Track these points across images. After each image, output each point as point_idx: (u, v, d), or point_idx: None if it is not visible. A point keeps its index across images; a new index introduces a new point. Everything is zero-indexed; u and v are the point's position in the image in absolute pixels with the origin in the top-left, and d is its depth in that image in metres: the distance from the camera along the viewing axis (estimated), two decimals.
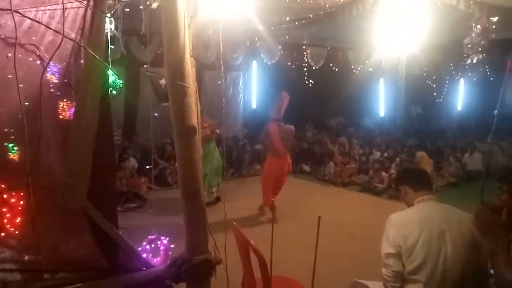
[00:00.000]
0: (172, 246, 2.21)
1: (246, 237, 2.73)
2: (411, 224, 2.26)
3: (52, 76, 1.85)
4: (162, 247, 2.18)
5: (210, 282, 2.05)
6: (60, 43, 1.57)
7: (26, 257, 1.86)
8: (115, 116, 8.83)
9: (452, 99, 13.69)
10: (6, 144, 1.73)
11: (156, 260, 2.14)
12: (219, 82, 8.05)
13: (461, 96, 14.02)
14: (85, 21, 1.72)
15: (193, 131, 1.87)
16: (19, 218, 1.73)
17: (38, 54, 1.63)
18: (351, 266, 4.34)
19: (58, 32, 1.60)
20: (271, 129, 5.82)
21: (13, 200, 1.71)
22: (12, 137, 1.66)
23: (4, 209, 1.74)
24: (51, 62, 1.76)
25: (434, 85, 12.03)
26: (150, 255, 2.16)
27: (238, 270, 2.92)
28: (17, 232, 1.80)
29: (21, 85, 1.68)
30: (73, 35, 1.69)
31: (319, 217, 2.21)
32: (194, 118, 1.89)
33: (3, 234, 1.74)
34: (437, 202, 2.42)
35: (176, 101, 1.85)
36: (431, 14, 5.75)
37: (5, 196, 1.71)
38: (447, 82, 12.34)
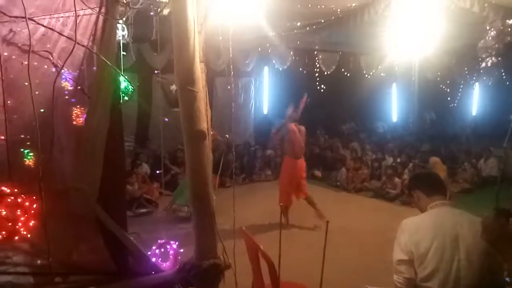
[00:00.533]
0: (182, 250, 2.22)
1: (256, 242, 2.72)
2: (424, 230, 2.22)
3: (67, 83, 1.88)
4: (171, 252, 2.18)
5: (219, 287, 2.04)
6: (72, 49, 1.60)
7: (39, 261, 1.88)
8: (128, 122, 9.00)
9: (467, 103, 13.49)
10: (22, 150, 1.76)
11: (166, 265, 2.15)
12: (228, 87, 8.06)
13: (476, 101, 13.80)
14: (97, 27, 1.75)
15: (202, 135, 1.87)
16: (32, 222, 1.75)
17: (52, 61, 1.66)
18: (362, 272, 4.28)
19: (71, 39, 1.63)
20: (291, 129, 5.77)
21: (26, 204, 1.74)
22: (28, 143, 1.69)
23: (18, 213, 1.77)
24: (65, 69, 1.79)
25: (448, 90, 11.88)
26: (160, 259, 2.17)
27: (248, 275, 2.91)
28: (29, 236, 1.83)
29: (36, 92, 1.71)
30: (85, 42, 1.72)
31: (327, 221, 2.19)
32: (204, 123, 1.90)
33: (16, 237, 1.77)
34: (451, 207, 2.37)
35: (186, 106, 1.86)
36: (445, 17, 5.69)
37: (19, 200, 1.74)
38: (461, 86, 12.18)
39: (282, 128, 5.93)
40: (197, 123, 1.85)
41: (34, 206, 1.70)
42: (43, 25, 1.58)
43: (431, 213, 2.32)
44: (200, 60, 1.99)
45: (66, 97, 1.89)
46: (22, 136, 1.70)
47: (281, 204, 5.55)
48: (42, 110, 1.74)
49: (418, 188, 2.46)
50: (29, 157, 1.75)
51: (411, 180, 2.82)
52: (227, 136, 5.76)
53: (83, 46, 1.68)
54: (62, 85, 1.87)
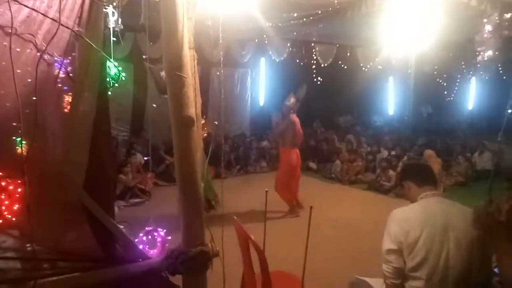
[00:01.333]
0: (169, 238, 2.21)
1: (246, 231, 2.72)
2: (413, 220, 2.23)
3: (58, 70, 1.85)
4: (159, 239, 2.18)
5: (207, 274, 2.04)
6: (56, 31, 1.57)
7: (28, 247, 1.86)
8: (123, 112, 8.97)
9: (463, 97, 13.50)
10: (14, 138, 1.73)
11: (153, 252, 2.14)
12: (223, 79, 7.98)
13: (472, 95, 13.82)
14: (83, 10, 1.72)
15: (191, 121, 1.86)
16: (16, 206, 1.74)
17: (36, 44, 1.63)
18: (355, 263, 4.31)
19: (55, 20, 1.59)
20: (294, 121, 5.75)
21: (10, 187, 1.72)
22: (20, 131, 1.67)
23: (5, 200, 1.75)
24: (56, 56, 1.76)
25: (445, 84, 11.87)
26: (147, 246, 2.16)
27: (239, 266, 2.91)
28: (14, 219, 1.81)
29: (29, 80, 1.68)
30: (71, 25, 1.69)
31: (311, 206, 2.19)
32: (192, 109, 1.88)
33: (4, 223, 1.75)
34: (441, 198, 2.38)
35: (174, 91, 1.84)
36: (442, 10, 5.65)
37: (3, 183, 1.72)
38: (458, 80, 12.18)
39: (284, 120, 5.90)
40: (185, 109, 1.84)
41: (19, 190, 1.68)
42: (27, 6, 1.54)
43: (421, 203, 2.33)
44: (189, 46, 1.96)
45: (59, 85, 1.86)
46: (14, 124, 1.67)
47: (297, 201, 5.56)
48: (34, 98, 1.71)
49: (409, 178, 2.46)
50: (20, 146, 1.72)
51: (402, 170, 2.82)
52: (215, 123, 5.61)
53: (68, 28, 1.65)
54: (55, 73, 1.84)
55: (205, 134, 5.47)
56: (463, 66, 11.12)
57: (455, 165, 8.58)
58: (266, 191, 2.78)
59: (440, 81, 11.63)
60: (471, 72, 11.71)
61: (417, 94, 11.99)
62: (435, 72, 11.04)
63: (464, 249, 2.12)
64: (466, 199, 2.56)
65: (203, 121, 5.14)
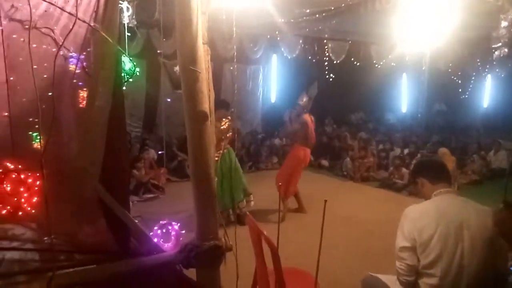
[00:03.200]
0: (183, 232, 2.23)
1: (259, 227, 2.72)
2: (427, 217, 2.20)
3: (74, 66, 1.87)
4: (173, 233, 2.20)
5: (220, 268, 2.05)
6: (73, 26, 1.59)
7: (46, 239, 1.91)
8: (136, 108, 9.05)
9: (478, 95, 13.26)
10: (30, 133, 1.76)
11: (167, 245, 2.16)
12: (236, 74, 7.96)
13: (487, 93, 13.57)
14: (99, 5, 1.73)
15: (204, 116, 1.87)
16: (35, 199, 1.77)
17: (53, 37, 1.66)
18: (367, 261, 4.29)
19: (72, 15, 1.62)
20: (307, 121, 5.75)
21: (29, 180, 1.76)
22: (36, 126, 1.70)
23: (22, 190, 1.79)
24: (72, 52, 1.78)
25: (460, 81, 11.68)
26: (161, 240, 2.19)
27: (252, 261, 2.92)
28: (33, 211, 1.85)
29: (45, 76, 1.71)
30: (87, 20, 1.71)
31: (325, 200, 2.18)
32: (206, 103, 1.89)
33: (20, 213, 1.79)
34: (456, 195, 2.35)
35: (187, 86, 1.85)
36: (458, 5, 5.56)
37: (22, 176, 1.76)
38: (473, 78, 11.97)
39: (296, 120, 5.88)
40: (199, 104, 1.84)
41: (38, 183, 1.71)
42: (45, 0, 1.57)
43: (435, 201, 2.30)
44: (203, 41, 1.97)
45: (75, 81, 1.89)
46: (31, 119, 1.70)
47: (279, 184, 5.52)
48: (50, 94, 1.73)
49: (422, 175, 2.44)
50: (37, 140, 1.76)
51: (415, 167, 2.79)
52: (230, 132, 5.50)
53: (84, 22, 1.67)
54: (70, 68, 1.86)
55: (230, 133, 5.43)
56: (479, 63, 10.93)
57: (470, 164, 8.45)
58: (280, 185, 2.77)
59: (455, 78, 11.44)
60: (486, 69, 11.50)
61: (431, 92, 11.83)
62: (450, 69, 10.87)
63: (479, 247, 2.10)
64: (481, 198, 2.52)
65: (228, 120, 5.14)
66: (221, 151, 5.11)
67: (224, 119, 5.14)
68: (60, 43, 1.68)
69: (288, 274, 2.71)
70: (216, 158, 5.02)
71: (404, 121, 12.48)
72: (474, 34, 8.13)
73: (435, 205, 2.27)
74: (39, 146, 1.71)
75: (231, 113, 5.47)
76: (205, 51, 2.01)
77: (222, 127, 5.07)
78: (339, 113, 12.28)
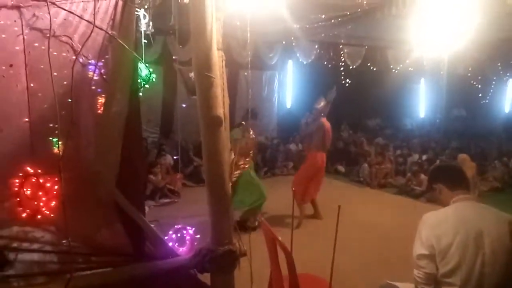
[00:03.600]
0: (198, 236, 2.24)
1: (274, 232, 2.71)
2: (445, 224, 2.15)
3: (92, 73, 1.91)
4: (188, 237, 2.21)
5: (234, 274, 2.05)
6: (91, 33, 1.63)
7: (64, 242, 1.94)
8: (153, 114, 9.16)
9: (499, 100, 12.95)
10: (50, 138, 1.80)
11: (182, 250, 2.18)
12: (250, 80, 7.99)
13: (508, 98, 13.25)
14: (116, 12, 1.77)
15: (219, 121, 1.88)
16: (54, 202, 1.81)
17: (71, 45, 1.70)
18: (384, 268, 4.21)
19: (90, 22, 1.66)
20: (324, 125, 5.73)
21: (48, 185, 1.80)
22: (56, 132, 1.74)
23: (40, 194, 1.83)
24: (90, 59, 1.83)
25: (479, 86, 11.43)
26: (176, 244, 2.20)
27: (267, 266, 2.91)
28: (52, 215, 1.88)
29: (65, 82, 1.76)
30: (104, 28, 1.75)
31: (339, 206, 2.15)
32: (221, 109, 1.90)
33: (39, 216, 1.83)
34: (475, 202, 2.29)
35: (202, 91, 1.87)
36: (477, 8, 5.46)
37: (41, 180, 1.80)
38: (493, 82, 11.70)
39: (312, 122, 5.86)
40: (214, 109, 1.86)
41: (56, 187, 1.75)
42: (64, 9, 1.61)
43: (454, 207, 2.24)
44: (218, 47, 1.99)
45: (93, 87, 1.93)
46: (51, 125, 1.74)
47: (293, 189, 5.49)
48: (69, 100, 1.78)
49: (439, 181, 2.38)
50: (57, 146, 1.80)
51: (432, 172, 2.72)
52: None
53: (102, 29, 1.71)
54: (89, 75, 1.91)
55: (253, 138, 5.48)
56: (500, 67, 10.69)
57: (491, 170, 8.25)
58: (293, 190, 2.76)
59: (474, 83, 11.21)
60: (508, 74, 11.24)
61: (449, 97, 11.62)
62: (469, 74, 10.66)
63: (501, 255, 2.04)
64: (503, 205, 2.45)
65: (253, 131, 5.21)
66: (248, 159, 5.21)
67: (251, 131, 5.26)
68: (79, 51, 1.72)
69: (303, 280, 2.68)
70: (244, 165, 5.13)
71: (422, 126, 12.27)
72: (494, 37, 7.96)
73: (454, 212, 2.22)
74: (57, 151, 1.75)
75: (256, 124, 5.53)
76: (219, 57, 2.03)
77: (252, 137, 5.19)
78: (355, 119, 12.18)
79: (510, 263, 2.03)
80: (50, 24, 1.54)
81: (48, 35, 1.63)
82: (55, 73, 1.62)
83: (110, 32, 1.77)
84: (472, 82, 11.13)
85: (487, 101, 12.18)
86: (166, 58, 7.82)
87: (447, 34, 6.11)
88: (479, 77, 11.09)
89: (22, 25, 1.57)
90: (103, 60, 1.87)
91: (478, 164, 7.62)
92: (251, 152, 5.32)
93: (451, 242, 2.09)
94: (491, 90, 12.03)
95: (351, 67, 9.71)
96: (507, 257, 2.03)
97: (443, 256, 2.11)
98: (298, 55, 9.30)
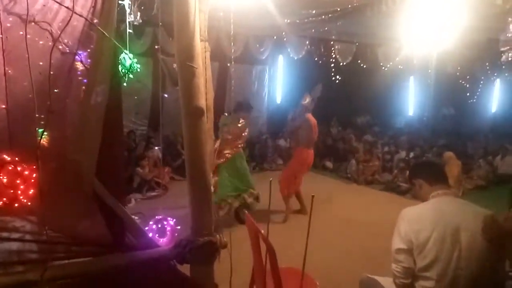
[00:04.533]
0: (179, 227, 2.24)
1: (257, 226, 2.72)
2: (424, 219, 2.19)
3: (79, 63, 1.89)
4: (168, 228, 2.21)
5: (215, 266, 2.06)
6: (70, 18, 1.61)
7: (44, 232, 1.93)
8: (142, 106, 9.08)
9: (487, 99, 13.12)
10: (37, 129, 1.77)
11: (162, 240, 2.17)
12: (240, 75, 7.94)
13: (496, 97, 13.42)
14: (97, 1, 1.75)
15: (200, 112, 1.88)
16: (31, 191, 1.79)
17: (52, 33, 1.68)
18: (367, 263, 4.27)
19: (69, 9, 1.63)
20: (313, 120, 5.75)
21: (26, 172, 1.77)
22: (42, 122, 1.72)
23: (18, 182, 1.80)
24: (69, 43, 1.80)
25: (468, 85, 11.56)
26: (157, 235, 2.20)
27: (250, 260, 2.92)
28: (32, 206, 1.86)
29: (51, 72, 1.73)
30: (85, 14, 1.73)
31: (313, 196, 2.17)
32: (203, 99, 1.90)
33: (16, 204, 1.81)
34: (454, 197, 2.33)
35: (184, 82, 1.86)
36: (466, 8, 5.51)
37: (19, 168, 1.77)
38: (481, 82, 11.84)
39: (298, 118, 5.88)
40: (195, 99, 1.86)
41: (34, 175, 1.73)
42: None
43: (432, 202, 2.28)
44: (201, 38, 1.98)
45: (80, 77, 1.90)
46: (30, 113, 1.71)
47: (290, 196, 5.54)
48: (56, 90, 1.75)
49: (420, 176, 2.42)
50: (43, 137, 1.77)
51: (412, 168, 2.77)
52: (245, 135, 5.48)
53: (81, 16, 1.68)
54: (70, 63, 1.88)
55: (246, 133, 5.45)
56: (488, 67, 10.81)
57: (476, 168, 8.37)
58: (270, 181, 2.77)
59: (463, 82, 11.33)
60: (495, 73, 11.38)
61: (438, 95, 11.74)
62: (458, 73, 10.77)
63: (478, 250, 2.08)
64: (486, 203, 2.49)
65: (243, 121, 5.19)
66: (236, 149, 5.19)
67: (241, 120, 5.25)
68: (60, 38, 1.70)
69: (286, 273, 2.70)
70: (229, 155, 5.09)
71: (411, 124, 12.38)
72: (482, 37, 8.05)
73: (432, 207, 2.26)
74: (36, 140, 1.73)
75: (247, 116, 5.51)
76: (202, 48, 2.02)
77: (239, 125, 5.19)
78: (345, 115, 12.23)
79: (485, 258, 2.07)
80: (28, 8, 1.51)
81: (26, 20, 1.60)
82: (40, 62, 1.60)
83: (90, 18, 1.74)
84: (460, 81, 11.25)
85: (474, 100, 12.32)
86: (156, 51, 7.75)
87: (436, 31, 6.15)
88: (468, 77, 11.21)
89: None
90: (88, 50, 1.85)
91: (463, 163, 7.73)
92: (240, 142, 5.30)
93: (428, 237, 2.12)
94: (479, 90, 12.17)
95: (341, 64, 9.74)
96: (482, 252, 2.07)
97: (420, 250, 2.14)
98: (289, 50, 9.30)
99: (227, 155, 5.12)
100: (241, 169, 5.40)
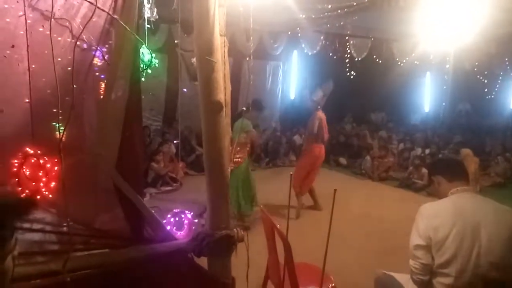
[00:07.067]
0: (196, 221, 2.26)
1: (272, 220, 2.73)
2: (443, 216, 2.16)
3: (97, 59, 1.91)
4: (186, 221, 2.23)
5: (231, 259, 2.07)
6: (92, 14, 1.63)
7: (64, 224, 1.96)
8: (157, 102, 9.17)
9: (505, 96, 12.85)
10: (54, 123, 1.80)
11: (180, 233, 2.20)
12: (252, 70, 7.91)
13: None
14: None
15: (219, 106, 1.88)
16: (53, 184, 1.82)
17: (74, 29, 1.70)
18: (382, 259, 4.24)
19: (91, 3, 1.66)
20: (321, 116, 5.73)
21: (48, 165, 1.81)
22: (60, 117, 1.75)
23: (40, 174, 1.84)
24: (90, 38, 1.82)
25: (486, 81, 11.34)
26: (174, 228, 2.22)
27: (265, 254, 2.94)
28: (54, 199, 1.90)
29: (69, 68, 1.76)
30: (106, 10, 1.75)
31: (335, 190, 2.15)
32: (221, 94, 1.91)
33: (38, 197, 1.85)
34: (473, 194, 2.30)
35: (203, 76, 1.87)
36: (484, 1, 5.39)
37: (41, 161, 1.81)
38: (500, 77, 11.60)
39: (310, 115, 5.85)
40: (214, 94, 1.86)
41: (56, 168, 1.76)
42: None
43: (451, 199, 2.26)
44: (221, 33, 1.99)
45: (97, 73, 1.93)
46: (53, 108, 1.74)
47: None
48: (75, 86, 1.78)
49: (439, 173, 2.40)
50: (58, 129, 1.80)
51: (432, 165, 2.75)
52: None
53: (103, 10, 1.71)
54: (91, 60, 1.90)
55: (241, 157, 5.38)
56: (507, 63, 10.59)
57: (494, 166, 8.23)
58: (291, 174, 2.77)
59: (481, 77, 11.12)
60: None
61: (455, 91, 11.55)
62: (475, 68, 10.57)
63: (497, 247, 2.05)
64: (504, 201, 2.45)
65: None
66: (244, 154, 5.11)
67: (250, 125, 5.11)
68: (80, 33, 1.73)
69: (300, 268, 2.71)
70: (241, 159, 5.02)
71: (427, 121, 12.21)
72: (502, 31, 7.86)
73: (452, 203, 2.23)
74: (58, 134, 1.76)
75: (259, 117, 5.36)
76: (222, 43, 2.03)
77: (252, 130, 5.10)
78: (359, 112, 12.13)
79: (505, 255, 2.04)
80: (52, 5, 1.54)
81: (49, 17, 1.63)
82: (59, 58, 1.63)
83: (112, 15, 1.76)
84: (478, 77, 11.04)
85: (492, 96, 12.09)
86: (171, 47, 7.81)
87: (454, 27, 6.05)
88: (486, 72, 11.00)
89: (24, 5, 1.57)
90: (106, 46, 1.87)
91: (481, 159, 7.61)
92: (248, 146, 5.23)
93: (448, 234, 2.10)
94: (497, 86, 11.93)
95: (356, 59, 9.65)
96: (503, 249, 2.04)
97: (439, 247, 2.12)
98: (303, 45, 9.26)
99: (239, 159, 5.04)
100: (251, 175, 5.29)
